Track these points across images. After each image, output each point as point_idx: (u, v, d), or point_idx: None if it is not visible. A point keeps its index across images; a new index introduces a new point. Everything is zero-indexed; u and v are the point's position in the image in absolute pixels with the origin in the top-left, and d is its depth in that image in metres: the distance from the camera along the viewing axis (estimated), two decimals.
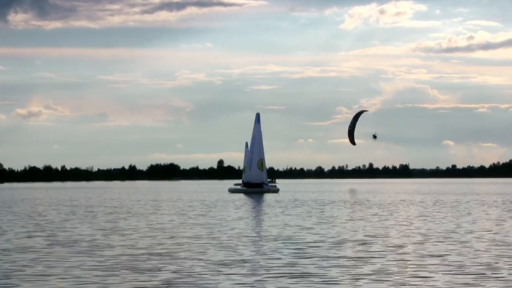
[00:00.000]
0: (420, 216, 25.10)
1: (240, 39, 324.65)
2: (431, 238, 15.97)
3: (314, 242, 15.33)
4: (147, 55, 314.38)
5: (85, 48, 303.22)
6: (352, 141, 65.09)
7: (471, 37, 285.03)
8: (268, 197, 48.12)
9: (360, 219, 23.11)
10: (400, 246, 14.35)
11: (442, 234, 17.29)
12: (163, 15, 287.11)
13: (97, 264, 11.72)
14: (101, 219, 24.26)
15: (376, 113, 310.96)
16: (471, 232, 17.89)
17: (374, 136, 69.48)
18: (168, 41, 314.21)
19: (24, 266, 11.57)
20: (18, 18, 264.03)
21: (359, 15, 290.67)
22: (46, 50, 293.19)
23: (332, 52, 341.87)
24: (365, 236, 16.84)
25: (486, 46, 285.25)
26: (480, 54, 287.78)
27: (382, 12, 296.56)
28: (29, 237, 17.33)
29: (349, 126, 64.97)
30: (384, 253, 13.17)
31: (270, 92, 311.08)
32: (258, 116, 61.15)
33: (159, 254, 13.09)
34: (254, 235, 17.30)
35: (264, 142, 61.90)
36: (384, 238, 16.22)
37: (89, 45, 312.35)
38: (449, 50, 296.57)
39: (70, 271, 10.83)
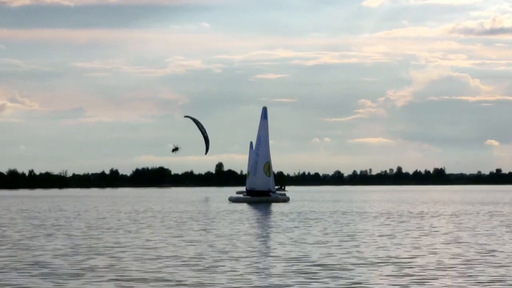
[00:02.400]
0: (479, 233, 24.68)
1: (242, 19, 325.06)
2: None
3: (343, 264, 14.95)
4: (131, 37, 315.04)
5: (58, 29, 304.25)
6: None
7: None
8: (277, 207, 47.87)
9: (393, 236, 22.72)
10: (454, 268, 13.96)
11: None
12: None
13: None
14: (71, 236, 23.87)
15: (406, 107, 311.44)
16: None
17: (175, 149, 70.17)
18: (156, 21, 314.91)
19: None
20: None
21: None
22: (11, 32, 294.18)
23: (353, 34, 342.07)
24: (406, 257, 16.44)
25: None
26: None
27: None
28: None
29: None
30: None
31: (278, 82, 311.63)
32: (264, 111, 60.95)
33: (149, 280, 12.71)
34: (264, 260, 16.90)
35: (271, 142, 61.66)
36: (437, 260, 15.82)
37: (62, 25, 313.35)
38: (493, 31, 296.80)
39: None
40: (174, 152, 71.13)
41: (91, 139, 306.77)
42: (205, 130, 70.38)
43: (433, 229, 25.64)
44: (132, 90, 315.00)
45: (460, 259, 15.81)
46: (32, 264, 15.38)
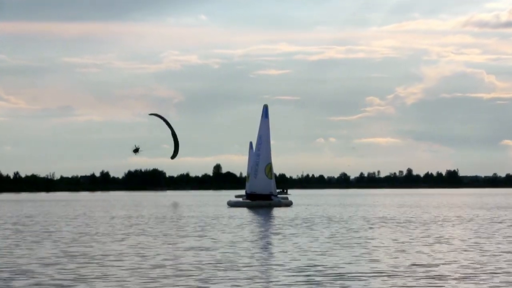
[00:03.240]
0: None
1: (242, 11, 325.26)
2: None
3: (351, 274, 14.79)
4: (124, 31, 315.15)
5: (46, 22, 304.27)
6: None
7: None
8: (279, 212, 47.75)
9: (407, 243, 22.56)
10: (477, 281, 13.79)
11: None
12: None
13: None
14: (59, 244, 23.73)
15: (416, 105, 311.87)
16: None
17: (136, 150, 70.01)
18: (151, 14, 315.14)
19: None
20: None
21: None
22: None
23: (360, 27, 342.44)
24: (421, 265, 16.27)
25: None
26: None
27: None
28: None
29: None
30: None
31: (281, 79, 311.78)
32: (265, 109, 60.89)
33: None
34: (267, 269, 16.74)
35: (273, 142, 61.55)
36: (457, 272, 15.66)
37: (51, 18, 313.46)
38: (510, 24, 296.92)
39: None
40: (136, 153, 71.09)
41: (80, 139, 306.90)
42: (174, 132, 69.87)
43: (449, 236, 25.46)
44: (125, 87, 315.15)
45: (481, 268, 15.64)
46: (18, 274, 15.23)
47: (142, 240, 24.17)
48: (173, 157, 72.23)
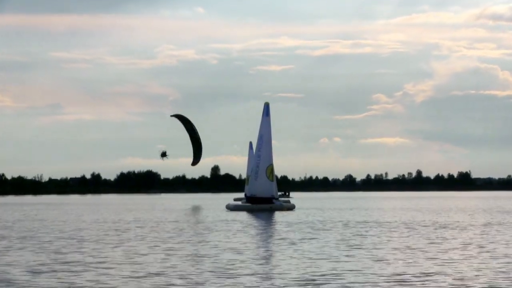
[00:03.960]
0: None
1: (242, 3, 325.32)
2: None
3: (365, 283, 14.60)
4: (116, 24, 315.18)
5: (33, 14, 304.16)
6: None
7: None
8: (281, 216, 47.62)
9: (420, 249, 22.41)
10: None
11: None
12: None
13: None
14: (46, 250, 23.56)
15: (426, 102, 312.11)
16: None
17: (163, 154, 69.82)
18: (144, 6, 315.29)
19: None
20: None
21: None
22: None
23: (367, 20, 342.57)
24: (435, 273, 16.08)
25: None
26: None
27: None
28: None
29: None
30: None
31: (282, 75, 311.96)
32: (266, 107, 60.82)
33: None
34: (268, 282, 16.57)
35: (274, 142, 61.45)
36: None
37: (37, 10, 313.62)
38: None
39: None
40: (163, 158, 70.85)
41: (70, 139, 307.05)
42: (196, 135, 69.45)
43: (463, 242, 25.30)
44: (117, 83, 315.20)
45: (502, 276, 15.46)
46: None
47: (135, 246, 23.98)
48: (194, 163, 71.68)
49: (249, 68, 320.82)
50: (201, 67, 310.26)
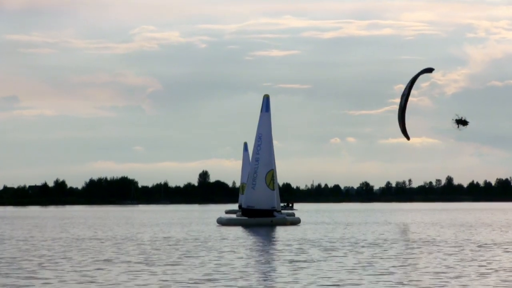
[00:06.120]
0: None
1: None
2: None
3: None
4: (83, 1, 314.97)
5: None
6: (404, 130, 59.91)
7: None
8: (283, 232, 47.50)
9: (459, 274, 22.17)
10: None
11: None
12: None
13: None
14: None
15: (459, 95, 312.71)
16: None
17: (461, 122, 59.84)
18: None
19: None
20: None
21: None
22: None
23: None
24: None
25: None
26: None
27: None
28: None
29: (402, 99, 58.50)
30: None
31: (286, 62, 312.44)
32: (266, 101, 60.81)
33: None
34: None
35: (275, 143, 61.20)
36: None
37: None
38: None
39: None
40: (459, 127, 60.71)
41: (29, 139, 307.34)
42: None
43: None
44: (85, 72, 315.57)
45: None
46: None
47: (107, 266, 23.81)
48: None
49: (245, 53, 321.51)
50: (187, 53, 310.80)
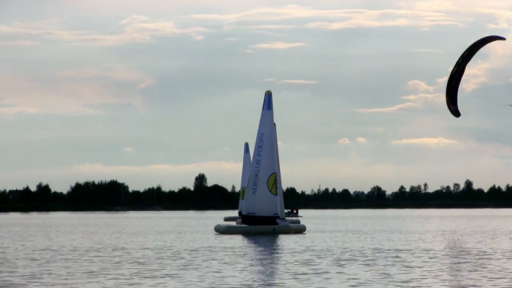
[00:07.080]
0: None
1: None
2: None
3: None
4: None
5: None
6: (454, 102, 55.58)
7: None
8: (287, 241, 47.39)
9: None
10: None
11: None
12: None
13: None
14: None
15: (479, 92, 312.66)
16: None
17: None
18: None
19: None
20: None
21: None
22: None
23: None
24: None
25: None
26: None
27: None
28: None
29: (457, 66, 54.30)
30: None
31: (290, 55, 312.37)
32: (268, 98, 60.76)
33: None
34: None
35: (279, 144, 61.08)
36: None
37: None
38: None
39: None
40: None
41: (9, 140, 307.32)
42: None
43: None
44: (71, 66, 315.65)
45: None
46: None
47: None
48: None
49: (246, 46, 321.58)
50: (183, 45, 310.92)
